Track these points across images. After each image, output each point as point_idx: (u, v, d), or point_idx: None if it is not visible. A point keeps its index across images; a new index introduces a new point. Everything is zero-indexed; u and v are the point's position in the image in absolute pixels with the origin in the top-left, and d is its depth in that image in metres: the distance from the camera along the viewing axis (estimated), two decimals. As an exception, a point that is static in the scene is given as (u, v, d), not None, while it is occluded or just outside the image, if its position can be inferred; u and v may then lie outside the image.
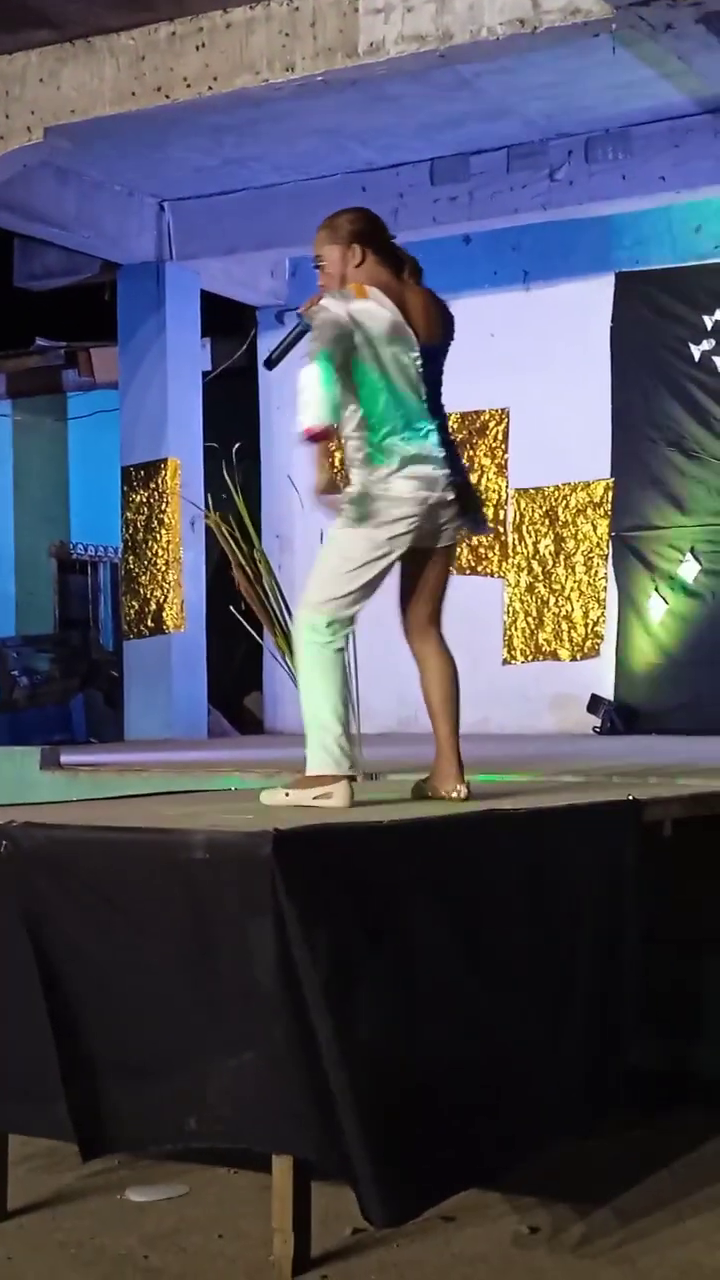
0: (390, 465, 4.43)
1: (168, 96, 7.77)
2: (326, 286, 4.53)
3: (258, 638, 6.33)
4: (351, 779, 4.44)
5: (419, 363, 4.48)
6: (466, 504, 4.60)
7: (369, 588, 4.47)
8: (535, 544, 10.28)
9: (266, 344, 11.26)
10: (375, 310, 4.41)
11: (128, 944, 3.42)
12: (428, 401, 4.52)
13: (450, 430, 4.67)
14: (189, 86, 7.69)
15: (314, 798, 4.35)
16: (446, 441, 4.57)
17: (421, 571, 4.63)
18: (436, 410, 4.55)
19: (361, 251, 4.50)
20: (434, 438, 4.51)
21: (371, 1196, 3.20)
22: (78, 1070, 3.45)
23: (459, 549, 10.38)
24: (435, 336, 4.56)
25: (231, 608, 6.38)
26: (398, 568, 4.58)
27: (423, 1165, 3.34)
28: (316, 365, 4.31)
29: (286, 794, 4.42)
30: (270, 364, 4.80)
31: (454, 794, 4.56)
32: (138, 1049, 3.42)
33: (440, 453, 4.52)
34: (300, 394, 4.33)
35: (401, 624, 4.71)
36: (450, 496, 4.51)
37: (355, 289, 4.42)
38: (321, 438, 4.43)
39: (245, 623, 6.06)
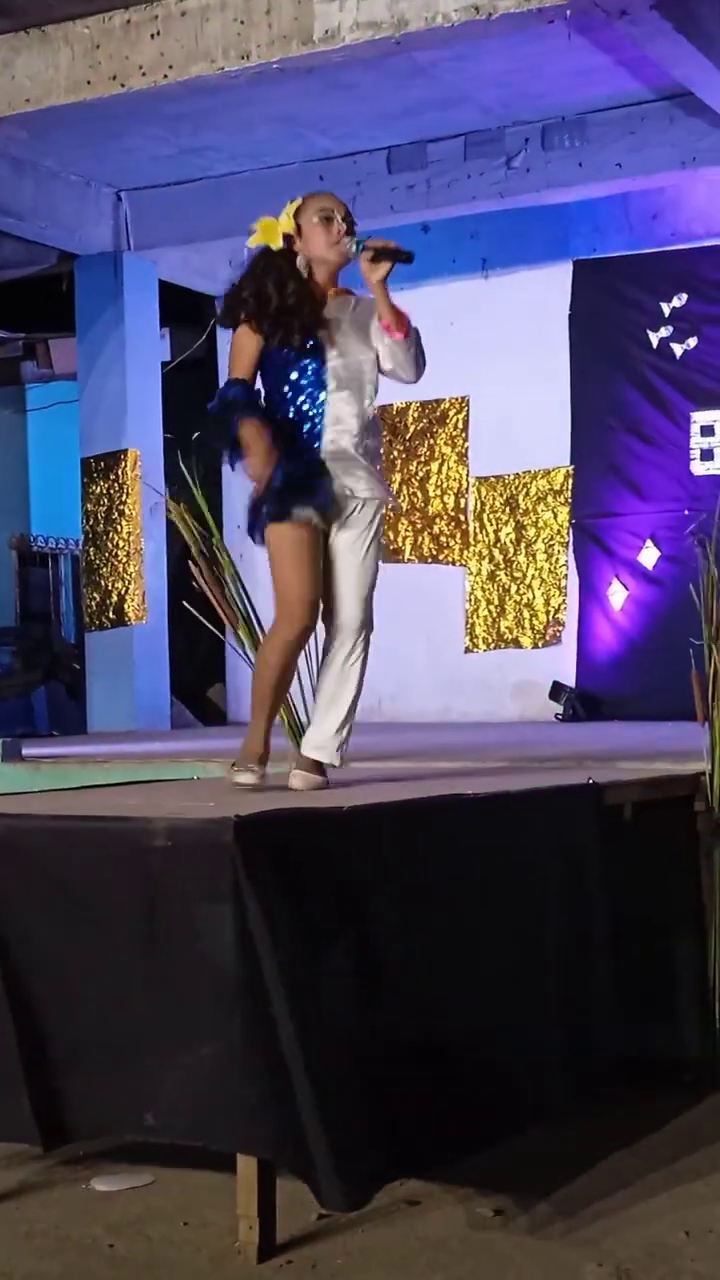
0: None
1: (123, 85, 7.72)
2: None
3: (216, 632, 6.29)
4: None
5: None
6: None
7: None
8: (496, 532, 10.30)
9: (225, 334, 11.19)
10: None
11: (87, 934, 3.42)
12: None
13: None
14: (144, 75, 7.64)
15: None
16: None
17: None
18: None
19: None
20: None
21: (332, 1185, 3.20)
22: (38, 1062, 3.44)
23: (421, 538, 10.45)
24: None
25: (185, 603, 6.33)
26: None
27: (382, 1147, 3.35)
28: None
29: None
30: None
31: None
32: (96, 1041, 3.42)
33: None
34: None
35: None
36: None
37: None
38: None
39: (199, 616, 6.03)
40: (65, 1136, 3.52)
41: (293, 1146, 3.20)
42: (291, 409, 4.63)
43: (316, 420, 4.61)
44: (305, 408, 4.61)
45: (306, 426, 4.61)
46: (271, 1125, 3.21)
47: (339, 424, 4.63)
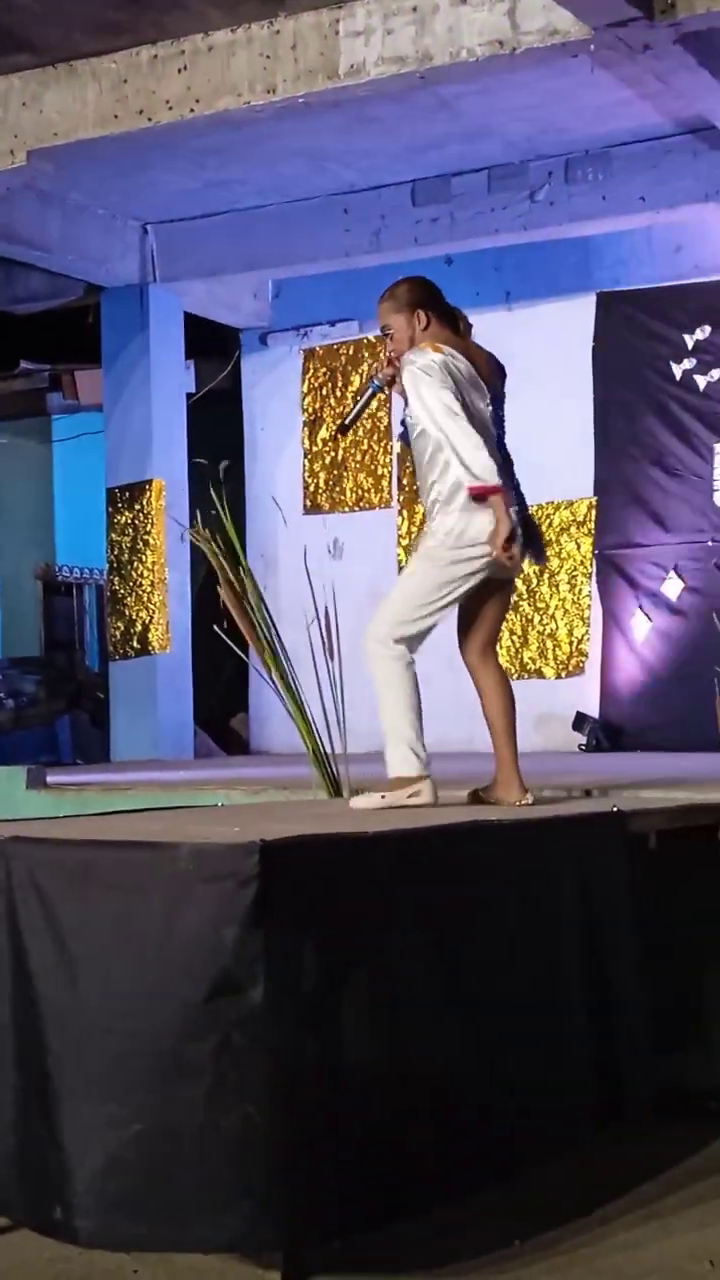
0: (472, 503, 4.81)
1: (150, 119, 7.80)
2: (396, 353, 4.97)
3: (243, 655, 6.32)
4: (429, 778, 4.85)
5: (489, 409, 4.98)
6: (530, 536, 5.01)
7: (439, 614, 4.92)
8: (519, 562, 10.30)
9: (250, 366, 11.30)
10: (457, 359, 4.87)
11: (99, 965, 3.38)
12: (499, 444, 4.98)
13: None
14: (171, 109, 7.72)
15: (408, 797, 4.78)
16: (514, 479, 5.02)
17: (485, 601, 5.01)
18: (505, 452, 5.01)
19: (426, 316, 4.99)
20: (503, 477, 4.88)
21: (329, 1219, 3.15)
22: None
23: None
24: (497, 387, 5.10)
25: (215, 627, 6.37)
26: None
27: (384, 1187, 3.33)
28: (459, 422, 4.76)
29: (382, 797, 4.80)
30: (345, 430, 5.44)
31: (524, 800, 4.88)
32: (44, 1097, 3.36)
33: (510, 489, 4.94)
34: (459, 451, 4.78)
35: (460, 649, 5.10)
36: (518, 531, 4.85)
37: (430, 346, 4.85)
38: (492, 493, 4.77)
39: (229, 640, 6.06)
40: None
41: (269, 1217, 3.15)
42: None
43: None
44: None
45: None
46: (246, 1200, 3.15)
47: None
